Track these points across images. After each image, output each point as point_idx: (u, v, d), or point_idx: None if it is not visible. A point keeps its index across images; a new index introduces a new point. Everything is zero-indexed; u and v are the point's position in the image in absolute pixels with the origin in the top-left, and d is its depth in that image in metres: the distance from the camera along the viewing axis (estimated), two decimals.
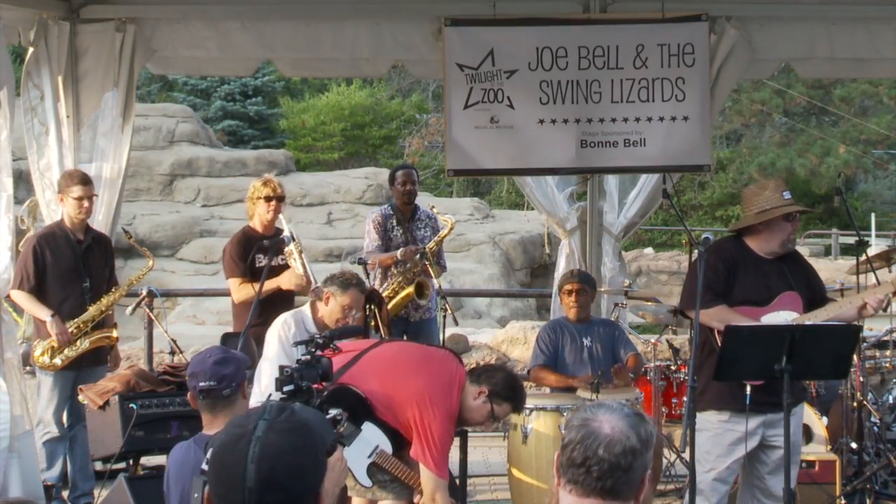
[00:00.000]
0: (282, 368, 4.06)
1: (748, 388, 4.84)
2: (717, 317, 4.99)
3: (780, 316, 5.04)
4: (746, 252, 5.13)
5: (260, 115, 26.59)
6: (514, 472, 6.10)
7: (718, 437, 5.01)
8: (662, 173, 7.33)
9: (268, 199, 6.83)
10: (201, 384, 3.85)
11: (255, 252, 6.63)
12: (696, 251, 5.32)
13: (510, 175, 11.62)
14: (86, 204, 6.48)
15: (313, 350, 4.21)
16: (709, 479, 5.02)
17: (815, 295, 5.24)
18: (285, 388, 4.06)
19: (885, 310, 6.94)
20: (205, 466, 3.51)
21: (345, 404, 4.39)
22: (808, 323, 4.94)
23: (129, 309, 7.27)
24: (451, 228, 7.54)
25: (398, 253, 7.28)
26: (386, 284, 7.31)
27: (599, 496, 2.35)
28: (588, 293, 6.77)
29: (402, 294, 7.28)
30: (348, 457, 3.55)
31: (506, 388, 5.00)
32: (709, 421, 5.04)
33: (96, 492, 6.44)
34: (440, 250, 7.67)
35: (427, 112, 27.78)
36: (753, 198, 5.14)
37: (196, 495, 3.46)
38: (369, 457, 4.92)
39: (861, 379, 6.55)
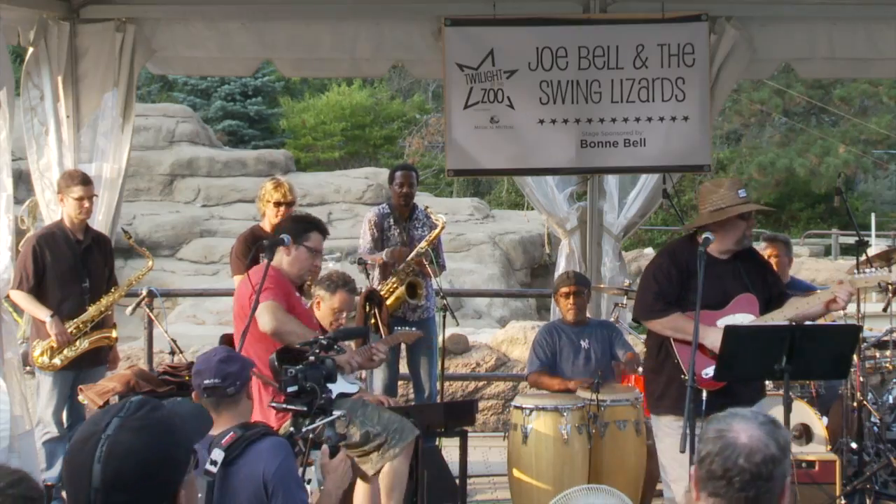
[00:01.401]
0: (286, 370, 4.07)
1: (704, 394, 4.83)
2: (671, 325, 4.99)
3: (736, 319, 4.99)
4: (707, 256, 5.05)
5: (260, 115, 26.57)
6: (514, 472, 6.10)
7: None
8: (662, 173, 7.34)
9: (277, 204, 6.79)
10: (205, 381, 3.85)
11: (254, 252, 6.62)
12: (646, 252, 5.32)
13: (510, 175, 11.63)
14: (86, 204, 6.48)
15: (317, 351, 4.22)
16: (681, 490, 4.96)
17: (772, 292, 5.20)
18: (289, 389, 4.08)
19: (885, 310, 6.98)
20: (208, 467, 3.55)
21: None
22: (807, 324, 4.94)
23: (129, 309, 7.27)
24: (442, 228, 7.51)
25: (384, 254, 7.27)
26: (381, 285, 7.29)
27: None
28: (585, 295, 6.77)
29: (396, 294, 7.28)
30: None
31: (298, 225, 5.29)
32: (669, 427, 5.03)
33: None
34: (440, 249, 7.66)
35: (427, 112, 27.78)
36: (708, 195, 5.09)
37: (200, 495, 3.49)
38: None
39: (861, 379, 6.55)
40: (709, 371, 4.91)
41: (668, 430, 5.04)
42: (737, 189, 5.07)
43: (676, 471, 4.98)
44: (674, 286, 5.04)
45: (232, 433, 3.70)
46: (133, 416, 2.05)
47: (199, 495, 3.54)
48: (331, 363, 4.21)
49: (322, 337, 4.42)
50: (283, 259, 5.31)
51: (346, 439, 5.13)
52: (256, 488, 3.62)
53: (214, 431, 3.76)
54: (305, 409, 4.06)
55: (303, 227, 5.38)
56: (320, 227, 5.48)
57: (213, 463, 3.59)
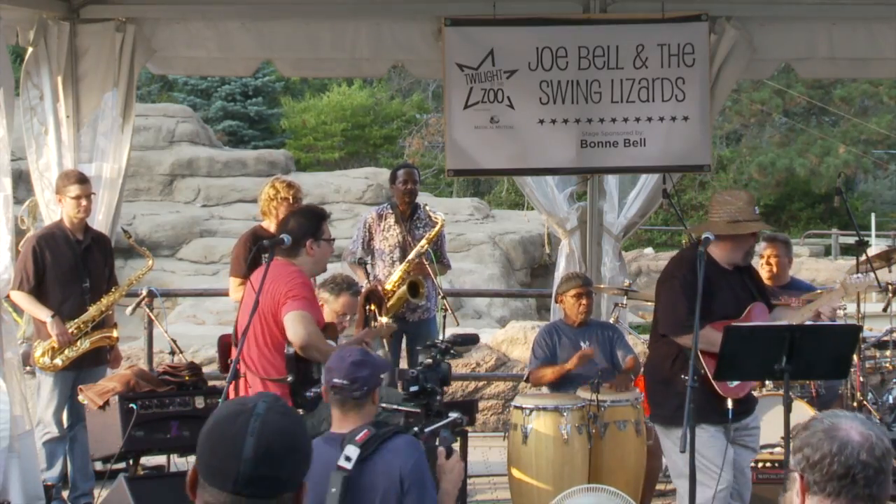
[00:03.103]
0: (405, 371, 4.13)
1: (729, 403, 4.93)
2: (707, 339, 4.89)
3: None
4: (713, 264, 5.08)
5: (260, 115, 26.56)
6: (514, 472, 6.10)
7: (716, 449, 5.00)
8: (662, 173, 7.34)
9: (287, 201, 6.73)
10: (335, 380, 3.93)
11: (254, 253, 6.61)
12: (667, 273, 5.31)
13: (510, 175, 11.62)
14: (84, 203, 6.47)
15: (435, 354, 4.30)
16: (722, 496, 4.97)
17: (768, 303, 5.33)
18: (411, 389, 4.16)
19: (885, 310, 6.98)
20: (342, 463, 3.68)
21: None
22: (807, 323, 4.95)
23: (129, 309, 7.27)
24: (441, 226, 7.50)
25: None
26: (388, 280, 7.29)
27: (864, 503, 2.33)
28: (592, 296, 6.79)
29: (398, 294, 7.27)
30: None
31: (311, 221, 5.15)
32: (698, 436, 5.02)
33: (96, 492, 6.44)
34: (443, 248, 7.65)
35: (427, 112, 27.77)
36: (724, 206, 5.12)
37: (334, 490, 3.63)
38: None
39: (861, 379, 6.55)
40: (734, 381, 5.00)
41: (697, 439, 5.01)
42: (753, 205, 5.15)
43: (713, 473, 4.95)
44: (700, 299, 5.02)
45: (366, 430, 3.80)
46: (277, 401, 2.16)
47: (333, 490, 3.65)
48: (447, 367, 4.34)
49: (441, 342, 4.52)
50: (307, 261, 5.16)
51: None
52: (392, 484, 3.73)
53: (338, 430, 3.89)
54: (421, 409, 4.21)
55: (317, 222, 5.23)
56: (325, 214, 5.40)
57: (348, 459, 3.70)
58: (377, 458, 3.75)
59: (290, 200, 6.73)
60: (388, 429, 3.88)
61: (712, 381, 4.95)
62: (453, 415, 4.18)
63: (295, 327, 4.89)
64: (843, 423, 2.37)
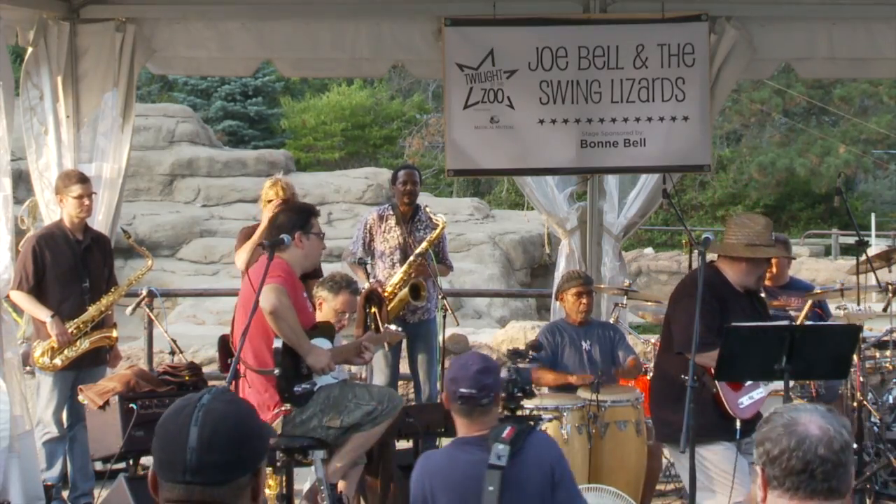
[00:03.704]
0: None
1: (738, 423, 4.95)
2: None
3: None
4: (727, 285, 5.12)
5: (260, 115, 26.57)
6: None
7: (732, 462, 4.98)
8: (662, 173, 7.33)
9: (269, 202, 6.80)
10: (461, 390, 3.96)
11: (253, 253, 6.63)
12: (684, 286, 5.30)
13: (510, 175, 11.62)
14: (86, 202, 6.48)
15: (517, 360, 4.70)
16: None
17: None
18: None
19: (885, 310, 6.98)
20: (495, 461, 3.81)
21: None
22: (807, 323, 4.96)
23: (129, 309, 7.27)
24: (443, 228, 7.49)
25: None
26: (390, 281, 7.29)
27: (824, 497, 2.33)
28: (593, 295, 6.79)
29: (399, 296, 7.27)
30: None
31: (300, 216, 5.26)
32: (712, 450, 5.01)
33: (96, 492, 6.44)
34: (444, 249, 7.64)
35: (427, 112, 27.78)
36: (743, 228, 5.12)
37: (491, 488, 3.75)
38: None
39: (861, 379, 6.55)
40: (744, 401, 5.01)
41: (710, 454, 4.99)
42: (770, 230, 5.15)
43: (728, 482, 4.94)
44: (716, 319, 4.97)
45: (511, 427, 3.91)
46: (224, 392, 2.21)
47: (491, 488, 3.77)
48: (527, 373, 4.50)
49: (529, 347, 4.79)
50: (295, 253, 5.27)
51: (348, 426, 5.24)
52: (544, 475, 3.90)
53: (465, 434, 3.99)
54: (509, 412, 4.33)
55: (305, 217, 5.35)
56: (315, 210, 5.51)
57: (499, 457, 3.81)
58: (526, 453, 3.88)
59: (271, 199, 6.79)
60: (525, 424, 4.02)
61: (725, 404, 4.97)
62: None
63: (266, 296, 4.97)
64: (803, 417, 2.37)
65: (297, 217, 5.34)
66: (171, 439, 2.13)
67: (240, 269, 6.65)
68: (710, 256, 5.13)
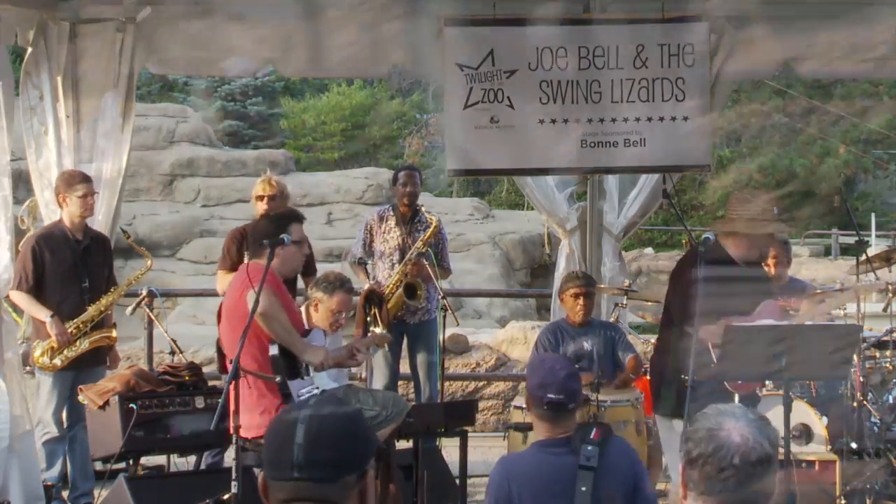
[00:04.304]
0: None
1: (737, 397, 4.98)
2: (721, 332, 4.87)
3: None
4: (727, 260, 5.14)
5: (260, 115, 26.56)
6: None
7: None
8: (662, 173, 7.34)
9: (258, 197, 6.83)
10: (550, 395, 4.00)
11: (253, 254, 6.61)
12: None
13: (510, 175, 11.63)
14: (90, 201, 6.51)
15: None
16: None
17: None
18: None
19: (885, 310, 6.98)
20: (586, 462, 3.88)
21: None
22: (807, 323, 4.95)
23: (129, 309, 7.27)
24: (435, 227, 7.48)
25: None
26: (388, 280, 7.28)
27: None
28: (593, 295, 6.78)
29: (396, 295, 7.26)
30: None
31: (277, 225, 5.17)
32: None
33: (96, 492, 6.44)
34: (444, 251, 7.63)
35: (427, 112, 27.77)
36: (744, 204, 5.15)
37: (584, 488, 3.83)
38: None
39: (861, 379, 6.55)
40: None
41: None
42: (773, 206, 5.16)
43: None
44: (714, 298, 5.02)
45: (596, 429, 3.99)
46: (330, 397, 2.36)
47: (584, 488, 3.84)
48: None
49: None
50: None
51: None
52: (629, 475, 4.00)
53: (549, 436, 4.02)
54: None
55: (283, 225, 5.26)
56: (296, 217, 5.40)
57: (589, 458, 3.88)
58: (610, 452, 3.96)
59: (259, 194, 6.80)
60: (607, 427, 4.12)
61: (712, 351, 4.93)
62: None
63: (254, 298, 4.92)
64: (728, 423, 2.36)
65: (276, 226, 5.24)
66: (278, 437, 2.18)
67: (220, 292, 6.56)
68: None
